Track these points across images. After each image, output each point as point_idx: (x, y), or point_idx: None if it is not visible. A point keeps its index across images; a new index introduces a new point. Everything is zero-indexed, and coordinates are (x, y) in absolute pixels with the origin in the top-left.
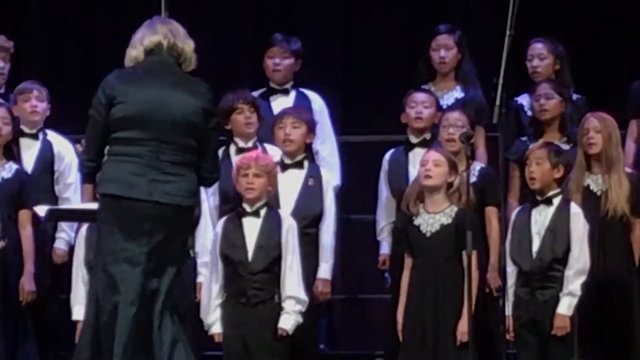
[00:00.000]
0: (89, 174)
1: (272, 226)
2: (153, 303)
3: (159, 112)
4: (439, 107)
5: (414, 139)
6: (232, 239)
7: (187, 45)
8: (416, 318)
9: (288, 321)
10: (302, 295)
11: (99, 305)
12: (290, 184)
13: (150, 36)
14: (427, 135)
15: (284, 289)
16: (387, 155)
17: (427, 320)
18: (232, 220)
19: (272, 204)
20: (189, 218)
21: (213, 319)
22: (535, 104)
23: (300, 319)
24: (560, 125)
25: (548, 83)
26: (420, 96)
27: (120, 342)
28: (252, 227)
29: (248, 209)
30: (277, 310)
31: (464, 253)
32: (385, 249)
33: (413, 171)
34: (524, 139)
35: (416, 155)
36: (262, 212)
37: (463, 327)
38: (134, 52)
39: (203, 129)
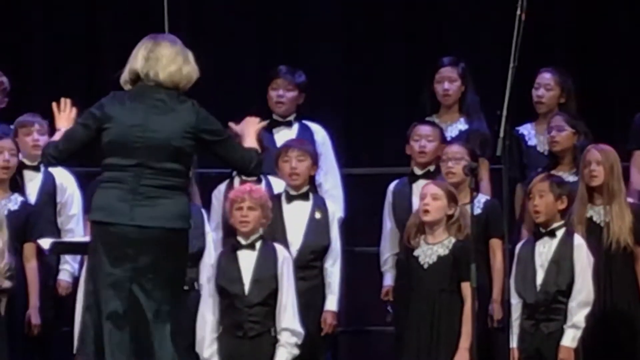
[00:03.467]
0: (44, 162)
1: (267, 259)
2: (146, 326)
3: (141, 138)
4: (443, 139)
5: (418, 171)
6: (228, 272)
7: (169, 74)
8: (413, 352)
9: (283, 354)
10: (298, 327)
11: (87, 332)
12: (297, 216)
13: (132, 63)
14: (432, 167)
15: (279, 322)
16: (391, 187)
17: (422, 354)
18: (227, 254)
19: (278, 236)
20: (180, 240)
21: (210, 353)
22: (548, 136)
23: (296, 352)
24: (573, 158)
25: (561, 115)
26: (424, 129)
27: None
28: (247, 260)
29: (243, 241)
30: (274, 343)
31: (462, 285)
32: (388, 280)
33: (417, 202)
34: (540, 170)
35: (420, 187)
36: (258, 244)
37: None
38: (122, 80)
39: (191, 152)
